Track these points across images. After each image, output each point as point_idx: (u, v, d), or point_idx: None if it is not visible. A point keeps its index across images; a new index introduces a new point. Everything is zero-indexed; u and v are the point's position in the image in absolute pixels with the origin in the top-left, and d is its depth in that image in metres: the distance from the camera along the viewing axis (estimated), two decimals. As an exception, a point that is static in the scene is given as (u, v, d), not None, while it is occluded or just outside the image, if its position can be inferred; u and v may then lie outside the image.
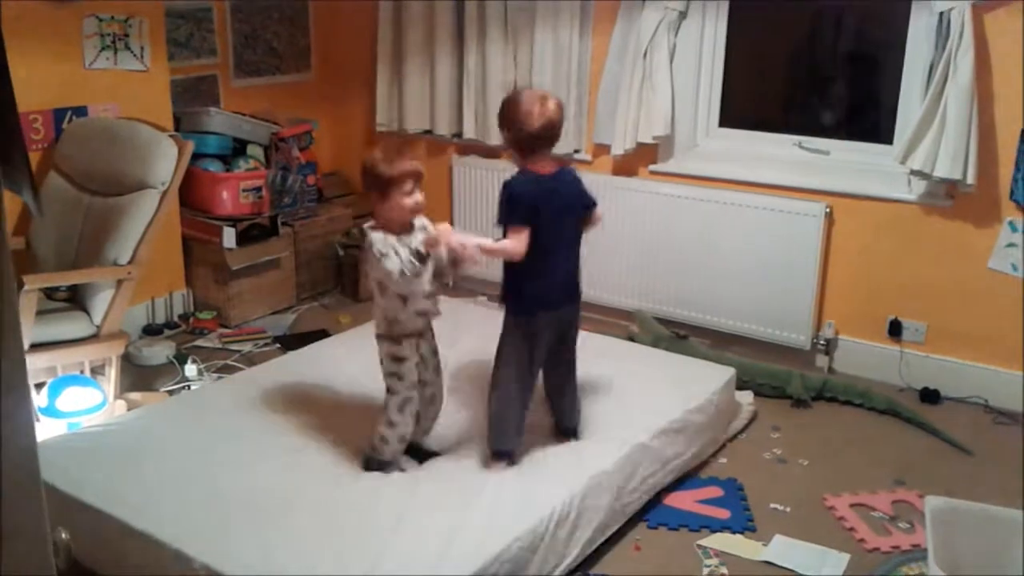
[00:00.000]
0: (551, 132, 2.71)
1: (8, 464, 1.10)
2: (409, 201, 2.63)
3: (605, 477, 2.75)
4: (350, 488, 2.62)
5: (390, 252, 2.56)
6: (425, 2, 4.78)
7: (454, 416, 3.07)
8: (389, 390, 2.74)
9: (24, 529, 1.14)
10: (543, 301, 2.81)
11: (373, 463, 2.75)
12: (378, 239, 2.59)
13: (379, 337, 2.74)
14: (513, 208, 2.68)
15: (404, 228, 2.66)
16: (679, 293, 4.37)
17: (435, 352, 2.86)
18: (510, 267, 2.77)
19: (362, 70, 5.22)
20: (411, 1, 4.80)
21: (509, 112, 2.73)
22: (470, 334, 3.64)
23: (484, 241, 2.72)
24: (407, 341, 2.71)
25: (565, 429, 2.99)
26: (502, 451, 2.80)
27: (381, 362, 2.75)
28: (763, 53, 4.59)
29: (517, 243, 2.66)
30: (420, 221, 2.70)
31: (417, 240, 2.63)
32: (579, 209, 2.85)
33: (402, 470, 2.77)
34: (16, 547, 1.13)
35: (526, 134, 2.69)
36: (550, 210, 2.72)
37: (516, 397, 2.82)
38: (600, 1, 4.38)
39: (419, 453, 2.86)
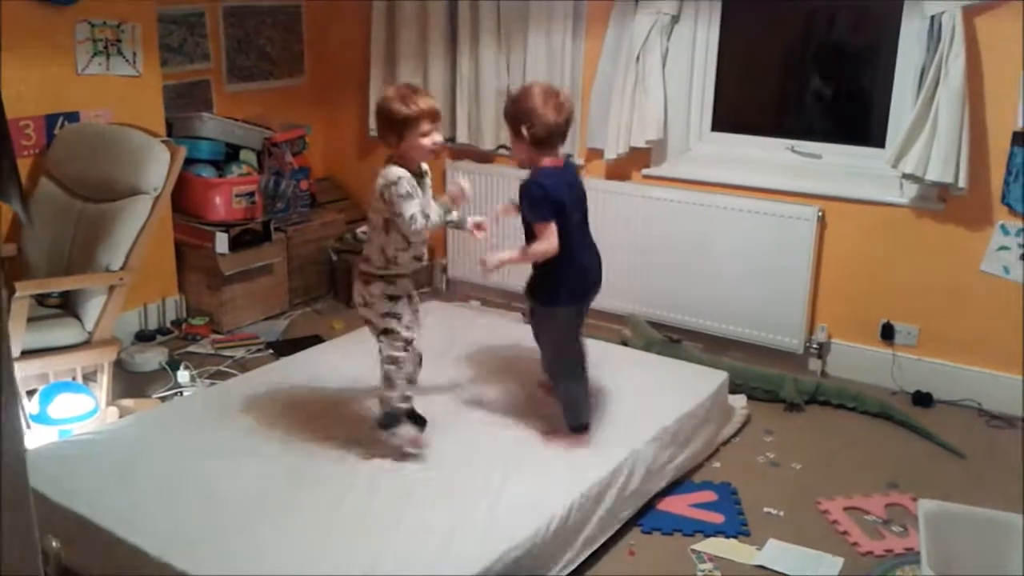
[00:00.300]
0: (568, 124, 2.75)
1: (-3, 472, 1.09)
2: (427, 141, 2.61)
3: (599, 483, 2.74)
4: (344, 494, 2.61)
5: (416, 194, 2.58)
6: (418, 7, 4.78)
7: (454, 418, 3.06)
8: (386, 331, 2.74)
9: (13, 537, 1.14)
10: (583, 289, 2.92)
11: (386, 418, 2.78)
12: (405, 178, 2.58)
13: (372, 277, 2.73)
14: (545, 204, 2.72)
15: (416, 169, 2.66)
16: (672, 297, 4.38)
17: (418, 313, 2.90)
18: (546, 263, 2.80)
19: (355, 75, 5.22)
20: (404, 4, 4.80)
21: (525, 107, 2.73)
22: (465, 338, 3.64)
23: (512, 253, 2.78)
24: (401, 281, 2.73)
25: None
26: (583, 424, 2.95)
27: (371, 306, 2.74)
28: (755, 57, 4.60)
29: (552, 238, 2.72)
30: (424, 164, 2.72)
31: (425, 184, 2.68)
32: (585, 198, 2.91)
33: (418, 427, 2.81)
34: (5, 555, 1.12)
35: (546, 127, 2.70)
36: (571, 202, 2.79)
37: (582, 375, 2.98)
38: (593, 4, 4.38)
39: (416, 418, 2.88)
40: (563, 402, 2.99)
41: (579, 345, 3.00)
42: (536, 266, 2.86)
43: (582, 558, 2.68)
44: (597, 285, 2.97)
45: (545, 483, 2.70)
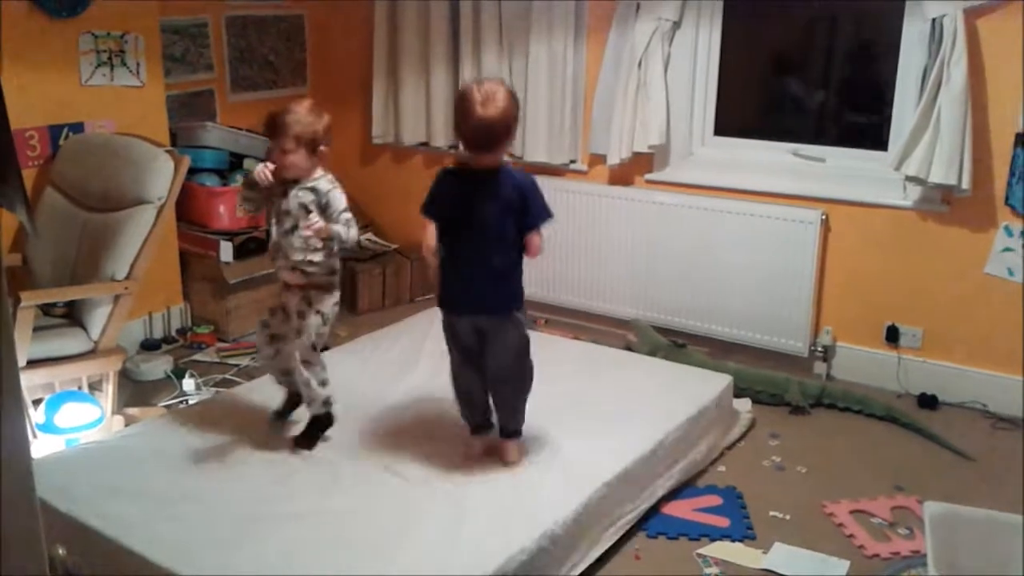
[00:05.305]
0: (488, 128, 2.61)
1: (3, 481, 1.10)
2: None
3: (604, 487, 2.74)
4: (349, 502, 2.61)
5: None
6: (420, 14, 4.80)
7: (455, 422, 3.07)
8: (313, 336, 2.88)
9: (21, 545, 1.14)
10: (446, 301, 2.90)
11: (321, 421, 2.94)
12: (344, 201, 2.81)
13: (323, 288, 2.87)
14: (428, 200, 2.82)
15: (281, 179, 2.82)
16: (676, 302, 4.38)
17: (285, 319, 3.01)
18: (520, 267, 2.79)
19: (358, 83, 5.24)
20: (407, 12, 4.82)
21: (455, 105, 2.76)
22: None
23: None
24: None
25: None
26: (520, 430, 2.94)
27: (320, 313, 2.88)
28: (757, 61, 4.61)
29: (424, 234, 2.78)
30: (313, 182, 2.85)
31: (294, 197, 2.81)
32: (499, 212, 2.72)
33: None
34: (14, 563, 1.13)
35: (462, 129, 2.70)
36: (456, 210, 2.75)
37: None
38: (595, 9, 4.40)
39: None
40: (516, 406, 2.91)
41: (453, 356, 2.92)
42: (495, 273, 2.74)
43: (588, 562, 2.68)
44: (459, 307, 2.81)
45: (550, 487, 2.70)
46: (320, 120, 2.76)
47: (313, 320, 2.87)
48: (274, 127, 2.72)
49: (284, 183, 2.80)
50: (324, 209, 2.78)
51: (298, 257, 2.80)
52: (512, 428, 2.93)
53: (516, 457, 2.89)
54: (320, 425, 2.95)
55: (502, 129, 2.61)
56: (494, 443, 2.93)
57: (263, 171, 2.74)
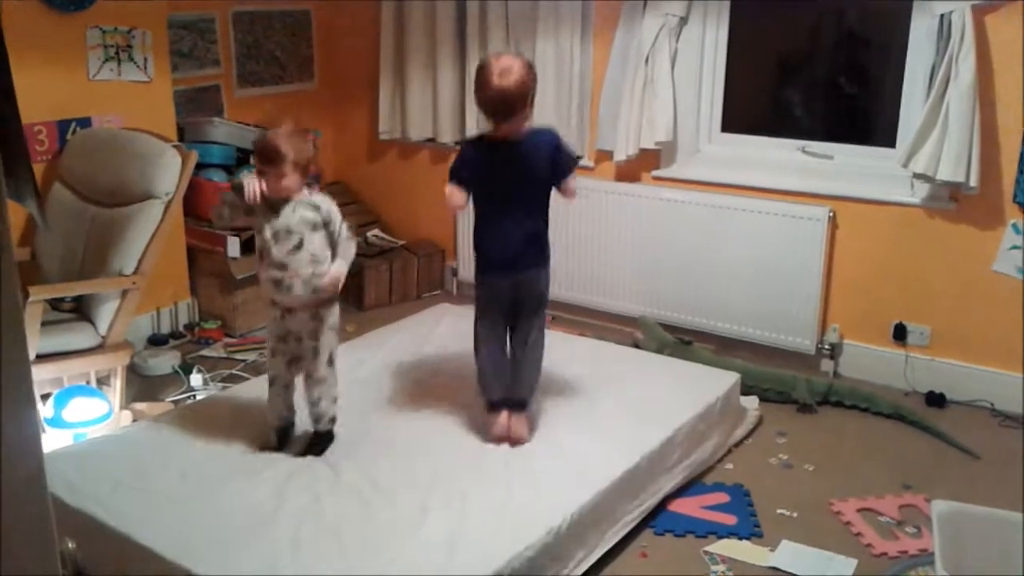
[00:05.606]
0: (506, 96, 2.77)
1: (15, 475, 1.10)
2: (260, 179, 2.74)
3: (611, 484, 2.74)
4: (355, 499, 2.61)
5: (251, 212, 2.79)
6: (427, 10, 4.80)
7: (463, 418, 3.07)
8: (330, 352, 2.88)
9: (32, 540, 1.15)
10: (486, 267, 3.03)
11: (324, 438, 2.91)
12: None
13: (330, 302, 2.87)
14: (455, 166, 2.97)
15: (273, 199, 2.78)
16: (683, 299, 4.37)
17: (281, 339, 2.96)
18: (547, 223, 2.98)
19: (365, 79, 5.23)
20: (414, 8, 4.82)
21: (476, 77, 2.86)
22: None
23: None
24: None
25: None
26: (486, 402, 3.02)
27: (333, 329, 2.90)
28: (764, 57, 4.60)
29: (449, 195, 2.92)
30: (306, 197, 2.81)
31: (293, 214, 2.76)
32: (522, 177, 2.93)
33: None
34: (24, 558, 1.13)
35: (480, 97, 2.82)
36: (484, 176, 2.90)
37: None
38: (601, 6, 4.39)
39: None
40: (535, 379, 3.06)
41: (484, 322, 3.04)
42: (528, 234, 2.95)
43: (595, 557, 2.68)
44: (497, 270, 2.97)
45: (555, 486, 2.70)
46: (309, 143, 2.77)
47: (328, 337, 2.87)
48: (269, 155, 2.68)
49: (269, 201, 2.75)
50: (327, 225, 2.78)
51: (308, 271, 2.76)
52: (526, 398, 3.02)
53: (526, 433, 2.95)
54: (324, 442, 2.90)
55: (518, 98, 2.77)
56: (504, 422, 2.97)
57: (254, 190, 2.70)
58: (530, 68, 2.80)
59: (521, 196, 2.91)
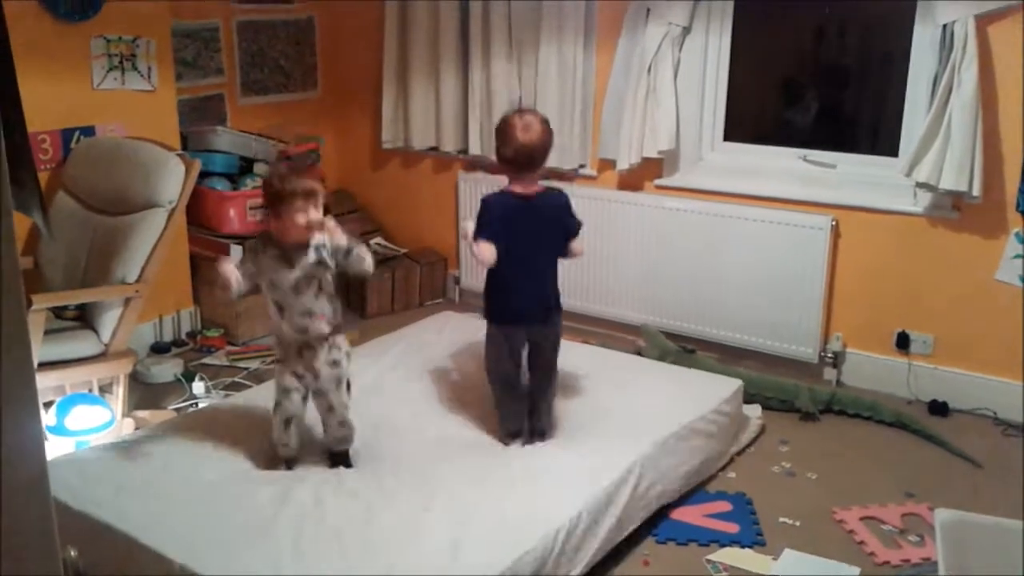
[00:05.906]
0: (533, 150, 2.90)
1: (18, 482, 1.10)
2: (300, 218, 2.67)
3: (613, 490, 2.74)
4: (358, 502, 2.61)
5: (249, 261, 2.76)
6: (430, 19, 4.81)
7: (464, 425, 3.07)
8: (344, 377, 2.84)
9: (34, 548, 1.15)
10: (506, 315, 3.05)
11: (345, 457, 2.87)
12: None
13: (340, 326, 2.85)
14: (481, 222, 2.94)
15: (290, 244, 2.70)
16: (686, 307, 4.37)
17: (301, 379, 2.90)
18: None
19: (368, 87, 5.25)
20: (417, 17, 4.83)
21: (499, 128, 2.96)
22: (475, 348, 3.64)
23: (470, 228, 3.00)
24: (281, 348, 2.84)
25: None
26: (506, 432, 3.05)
27: (347, 355, 2.86)
28: (767, 66, 4.60)
29: (480, 254, 2.91)
30: (317, 239, 2.73)
31: (311, 259, 2.71)
32: (545, 230, 3.01)
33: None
34: (26, 565, 1.13)
35: (511, 148, 2.90)
36: (512, 230, 2.93)
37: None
38: (604, 15, 4.40)
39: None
40: (553, 408, 3.14)
41: (505, 364, 3.06)
42: (548, 284, 3.07)
43: (596, 560, 2.67)
44: (523, 323, 3.03)
45: (556, 491, 2.70)
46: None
47: (345, 363, 2.84)
48: (297, 195, 2.63)
49: (281, 251, 2.70)
50: (335, 254, 2.72)
51: (331, 308, 2.77)
52: (549, 427, 3.08)
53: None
54: (345, 462, 2.87)
55: (541, 151, 2.93)
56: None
57: (236, 280, 2.66)
58: (547, 123, 2.94)
59: (543, 250, 3.01)
